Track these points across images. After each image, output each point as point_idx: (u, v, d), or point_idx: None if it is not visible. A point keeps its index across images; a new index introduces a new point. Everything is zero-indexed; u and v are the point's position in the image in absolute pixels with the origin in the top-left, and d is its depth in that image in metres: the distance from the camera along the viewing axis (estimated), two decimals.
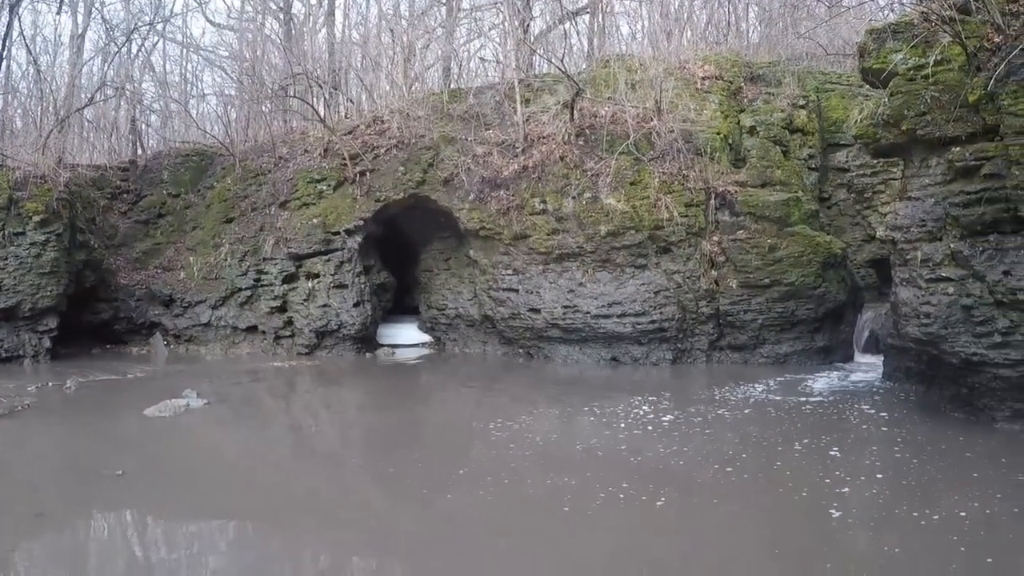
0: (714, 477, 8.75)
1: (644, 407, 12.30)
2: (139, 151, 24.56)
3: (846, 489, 8.08)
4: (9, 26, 20.32)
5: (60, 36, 31.89)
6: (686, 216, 16.19)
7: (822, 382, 13.96)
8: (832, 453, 9.43)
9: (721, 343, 16.35)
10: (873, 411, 11.58)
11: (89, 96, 24.41)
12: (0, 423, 12.43)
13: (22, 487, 9.55)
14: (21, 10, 22.45)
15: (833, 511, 7.46)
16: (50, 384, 15.65)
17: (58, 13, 28.79)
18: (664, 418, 11.59)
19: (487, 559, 7.03)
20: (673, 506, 8.03)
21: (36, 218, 18.10)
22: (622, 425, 11.30)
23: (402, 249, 20.63)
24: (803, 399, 12.55)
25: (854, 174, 19.36)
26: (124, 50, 27.60)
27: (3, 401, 13.48)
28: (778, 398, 12.64)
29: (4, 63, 22.62)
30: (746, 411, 11.84)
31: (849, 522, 7.30)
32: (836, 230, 18.42)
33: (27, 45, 26.73)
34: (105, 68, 27.32)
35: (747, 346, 16.13)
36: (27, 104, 27.82)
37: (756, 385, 13.72)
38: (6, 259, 18.06)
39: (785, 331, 15.92)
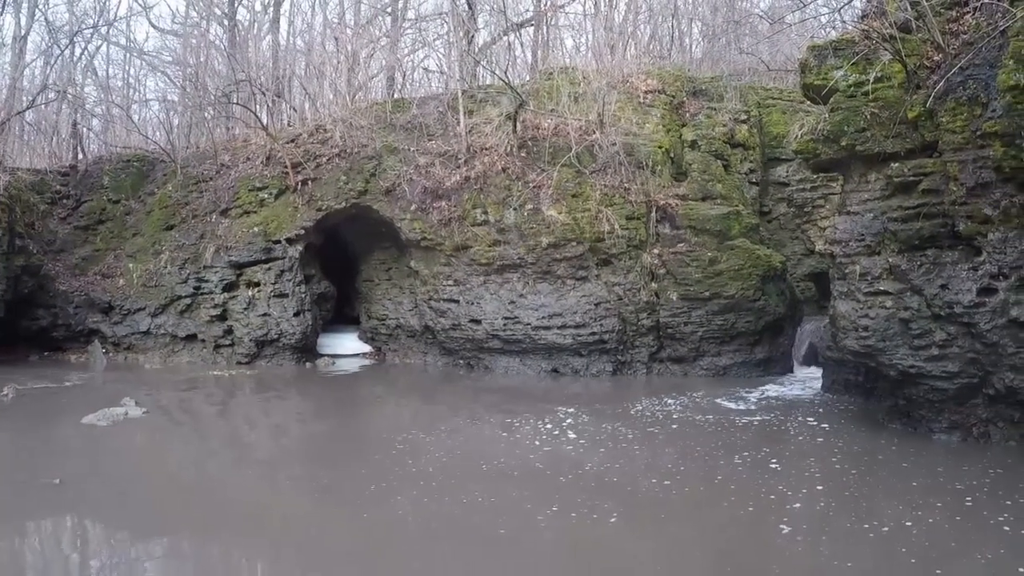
0: (657, 491, 8.80)
1: (584, 418, 12.39)
2: (80, 156, 24.08)
3: (796, 505, 8.12)
4: None
5: (3, 38, 31.18)
6: (627, 229, 16.32)
7: (761, 394, 14.11)
8: (772, 465, 9.50)
9: (661, 355, 16.49)
10: (813, 423, 11.73)
11: (31, 99, 24.02)
12: None
13: None
14: None
15: (783, 527, 7.49)
16: None
17: (0, 14, 28.19)
18: (604, 429, 11.66)
19: (425, 571, 7.03)
20: (618, 521, 7.99)
21: None
22: (563, 437, 11.34)
23: (343, 259, 20.54)
24: (742, 411, 12.68)
25: (794, 188, 19.71)
26: (67, 53, 27.24)
27: None
28: (718, 410, 12.73)
29: None
30: (686, 423, 11.94)
31: (798, 539, 7.31)
32: (776, 244, 18.71)
33: None
34: (47, 71, 26.98)
35: (687, 358, 16.29)
36: None
37: (696, 397, 13.84)
38: None
39: (725, 343, 16.11)
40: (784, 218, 19.90)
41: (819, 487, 8.65)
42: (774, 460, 9.71)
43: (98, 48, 30.11)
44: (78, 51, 28.00)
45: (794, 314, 16.84)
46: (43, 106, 25.66)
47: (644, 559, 7.16)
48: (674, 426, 11.79)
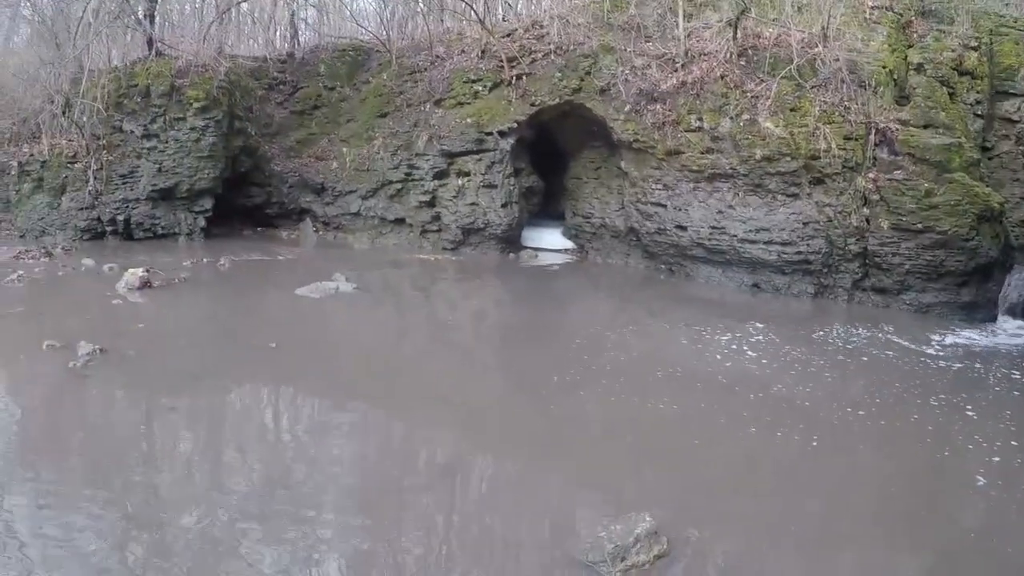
0: (850, 420, 8.71)
1: (778, 338, 12.29)
2: (297, 44, 25.28)
3: (994, 458, 7.84)
4: None
5: None
6: (844, 149, 15.76)
7: (962, 338, 13.50)
8: (969, 413, 9.24)
9: (864, 284, 16.00)
10: (1013, 376, 11.16)
11: None
12: (158, 294, 13.44)
13: (180, 351, 10.42)
14: None
15: (979, 478, 7.32)
16: (204, 260, 16.71)
17: None
18: (797, 351, 11.55)
19: (603, 466, 7.23)
20: (805, 443, 7.97)
21: (196, 104, 19.11)
22: (755, 353, 11.33)
23: (552, 155, 20.81)
24: (941, 352, 12.20)
25: (1023, 126, 18.46)
26: None
27: (161, 274, 14.51)
28: (915, 348, 12.32)
29: None
30: (881, 356, 11.64)
31: (992, 493, 7.09)
32: (996, 183, 17.61)
33: None
34: None
35: (890, 290, 15.75)
36: None
37: (894, 331, 13.40)
38: (166, 142, 19.22)
39: (931, 280, 15.41)
40: (1007, 157, 18.63)
41: (1014, 442, 8.34)
42: (970, 408, 9.40)
43: None
44: None
45: (1006, 260, 15.85)
46: None
47: (834, 484, 7.14)
48: (870, 358, 11.54)
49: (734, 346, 11.69)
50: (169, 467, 6.98)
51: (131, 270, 13.91)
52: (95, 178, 18.92)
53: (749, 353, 11.33)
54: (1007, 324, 15.29)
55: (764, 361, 10.98)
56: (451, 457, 7.55)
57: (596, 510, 6.31)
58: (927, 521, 6.47)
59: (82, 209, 19.01)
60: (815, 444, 7.94)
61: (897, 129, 15.80)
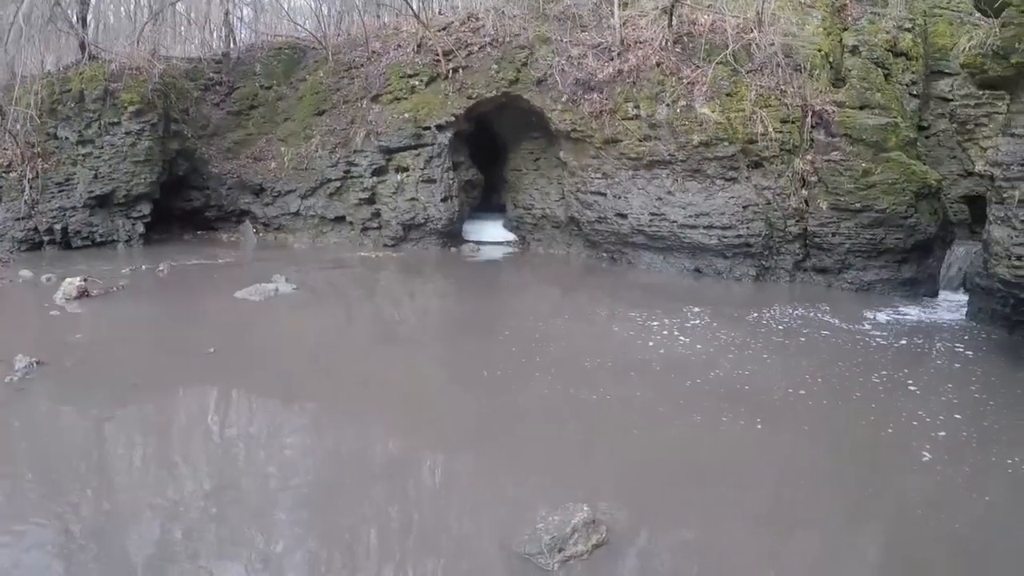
0: (792, 400, 8.65)
1: (721, 321, 12.25)
2: (232, 44, 24.85)
3: (940, 433, 7.75)
4: None
5: None
6: (781, 132, 15.82)
7: (903, 315, 13.50)
8: (911, 388, 9.14)
9: (806, 264, 16.08)
10: (955, 349, 11.11)
11: None
12: (96, 303, 13.10)
13: (119, 360, 10.13)
14: None
15: (925, 453, 7.23)
16: (143, 267, 16.33)
17: None
18: (739, 334, 11.50)
19: (543, 457, 7.15)
20: (748, 426, 7.89)
21: (131, 108, 18.70)
22: (698, 337, 11.28)
23: (491, 148, 20.73)
24: (883, 330, 12.16)
25: (957, 104, 18.67)
26: None
27: (99, 282, 14.12)
28: (857, 326, 12.30)
29: None
30: (824, 336, 11.62)
31: (938, 468, 6.98)
32: (933, 161, 17.86)
33: None
34: None
35: (831, 270, 15.82)
36: None
37: (836, 310, 13.41)
38: (102, 148, 18.79)
39: (872, 258, 15.53)
40: (944, 135, 18.91)
41: (957, 415, 8.28)
42: (912, 383, 9.34)
43: None
44: None
45: (945, 235, 16.03)
46: None
47: (780, 464, 7.09)
48: (811, 337, 11.50)
49: (674, 332, 11.61)
50: (114, 478, 6.69)
51: (68, 280, 13.55)
52: (30, 187, 18.41)
53: (682, 339, 11.26)
54: (948, 298, 15.42)
55: (700, 346, 10.90)
56: (394, 453, 7.39)
57: (535, 501, 6.17)
58: (874, 500, 6.34)
59: (18, 219, 18.48)
60: (759, 427, 7.84)
61: (833, 111, 15.89)
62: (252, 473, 6.82)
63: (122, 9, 27.54)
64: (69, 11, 20.58)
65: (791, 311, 13.22)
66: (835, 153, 15.60)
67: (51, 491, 6.31)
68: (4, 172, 18.54)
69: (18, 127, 18.47)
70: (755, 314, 12.87)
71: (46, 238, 18.73)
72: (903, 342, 11.29)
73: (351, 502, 6.26)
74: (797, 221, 15.80)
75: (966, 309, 13.65)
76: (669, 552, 5.62)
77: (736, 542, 5.66)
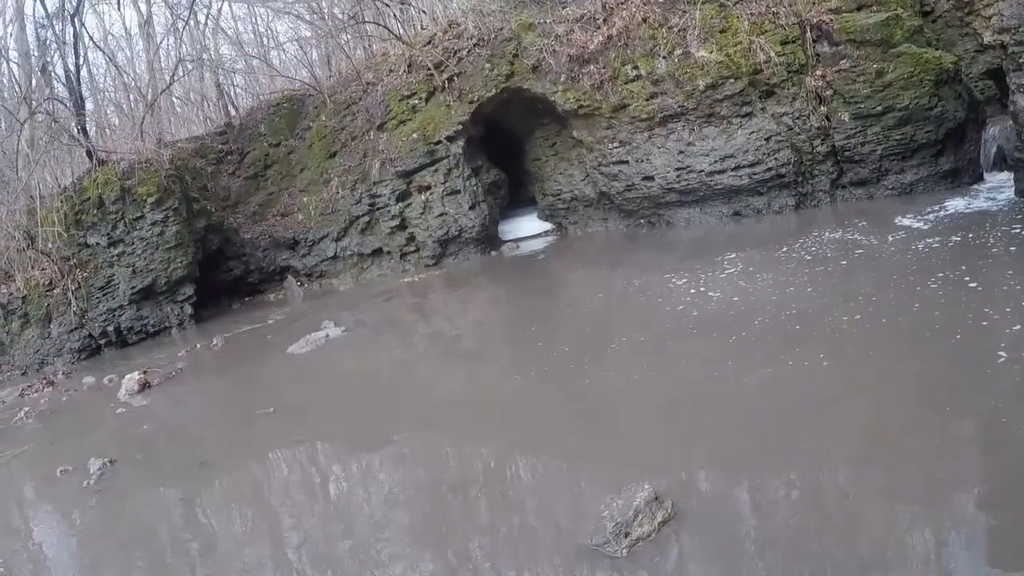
0: (850, 328, 8.32)
1: (774, 259, 12.04)
2: (232, 112, 25.26)
3: (1014, 327, 7.22)
4: (76, 35, 21.03)
5: (129, 29, 32.79)
6: (784, 55, 15.54)
7: (951, 208, 13.09)
8: (971, 285, 8.66)
9: (843, 181, 15.77)
10: (1010, 232, 10.59)
11: (170, 75, 25.06)
12: (158, 391, 13.48)
13: (184, 441, 10.49)
14: (83, 16, 23.06)
15: (1000, 353, 6.80)
16: (198, 345, 16.66)
17: (118, 8, 29.74)
18: (796, 267, 11.28)
19: (654, 441, 6.98)
20: (828, 363, 7.61)
21: (150, 199, 19.05)
22: (753, 280, 11.12)
23: (507, 144, 20.74)
24: (932, 228, 11.75)
25: None
26: (192, 23, 28.25)
27: (158, 371, 14.57)
28: (907, 231, 11.91)
29: (82, 70, 23.29)
30: (875, 249, 11.27)
31: (1016, 367, 6.53)
32: (945, 44, 17.32)
33: (98, 46, 27.56)
34: (178, 45, 28.15)
35: (870, 180, 15.47)
36: (116, 99, 28.97)
37: (883, 219, 13.06)
38: (132, 244, 19.17)
39: (907, 159, 15.13)
40: (950, 15, 18.39)
41: None
42: (971, 279, 8.85)
43: (219, 9, 31.12)
44: (202, 18, 29.05)
45: (976, 117, 15.52)
46: (185, 78, 26.90)
47: (863, 400, 6.73)
48: (860, 256, 11.11)
49: (733, 278, 11.49)
50: (204, 554, 6.92)
51: (128, 376, 13.97)
52: (76, 298, 18.89)
53: (750, 280, 11.10)
54: (993, 180, 14.93)
55: (770, 284, 10.72)
56: (508, 464, 7.43)
57: (600, 488, 6.14)
58: (957, 419, 5.98)
59: (72, 331, 18.96)
60: (825, 364, 7.58)
61: (831, 19, 15.61)
62: (339, 518, 6.96)
63: (123, 106, 28.11)
64: (69, 125, 21.10)
65: (832, 234, 12.96)
66: (843, 61, 15.32)
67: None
68: (48, 291, 19.05)
69: (50, 246, 18.97)
70: (798, 244, 12.67)
71: (102, 341, 19.18)
72: (955, 238, 10.85)
73: (439, 518, 6.40)
74: (823, 139, 15.54)
75: (1013, 187, 13.17)
76: (742, 518, 5.44)
77: (824, 485, 5.53)
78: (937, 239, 11.03)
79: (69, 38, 21.02)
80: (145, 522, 7.90)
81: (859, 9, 15.79)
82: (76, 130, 20.91)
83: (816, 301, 9.60)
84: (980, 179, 15.22)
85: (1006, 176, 14.47)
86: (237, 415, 11.04)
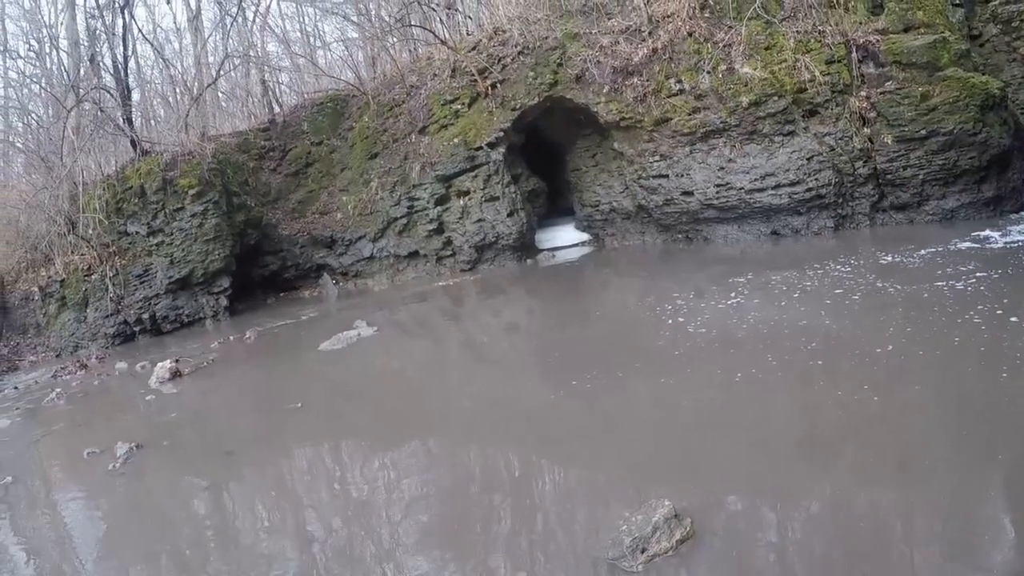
0: (888, 358, 8.10)
1: (810, 281, 11.89)
2: (276, 109, 25.59)
3: None
4: (125, 27, 21.49)
5: (178, 23, 33.34)
6: (828, 74, 15.47)
7: (991, 237, 12.79)
8: (1013, 320, 8.36)
9: (883, 204, 15.61)
10: None
11: (216, 70, 25.52)
12: (189, 380, 13.69)
13: (211, 431, 10.64)
14: (133, 9, 23.56)
15: None
16: (231, 338, 16.85)
17: (168, 2, 30.20)
18: (832, 290, 11.10)
19: (678, 458, 6.92)
20: (862, 390, 7.41)
21: (191, 192, 19.42)
22: (789, 302, 10.96)
23: (547, 153, 20.85)
24: (972, 256, 11.47)
25: (998, 3, 17.98)
26: (240, 20, 28.68)
27: (190, 360, 14.80)
28: (946, 258, 11.64)
29: (130, 61, 23.73)
30: (914, 275, 11.00)
31: None
32: (992, 69, 17.16)
33: (146, 39, 28.20)
34: (226, 40, 28.59)
35: (911, 204, 15.31)
36: (162, 91, 29.48)
37: (922, 246, 12.76)
38: (172, 234, 19.53)
39: (949, 184, 14.91)
40: (998, 39, 18.21)
41: None
42: (1015, 315, 8.48)
43: (268, 7, 31.43)
44: (250, 15, 29.50)
45: (1021, 145, 15.38)
46: (231, 73, 27.28)
47: (896, 430, 6.55)
48: (897, 283, 10.79)
49: (769, 298, 11.36)
50: (225, 543, 7.03)
51: (160, 364, 14.21)
52: (113, 284, 19.28)
53: (786, 302, 10.99)
54: None
55: (806, 306, 10.58)
56: (532, 473, 7.46)
57: (620, 502, 6.14)
58: (995, 457, 5.85)
59: (108, 316, 19.35)
60: (865, 389, 7.39)
61: (878, 40, 15.51)
62: (343, 508, 7.14)
63: (170, 98, 28.58)
64: (115, 114, 21.52)
65: (879, 257, 12.74)
66: (889, 83, 15.20)
67: (187, 562, 6.69)
68: (86, 276, 19.48)
69: (90, 232, 19.39)
70: (843, 267, 12.47)
71: (136, 328, 19.55)
72: (997, 269, 10.56)
73: (459, 520, 6.48)
74: (865, 161, 15.41)
75: None
76: (764, 541, 5.38)
77: (852, 514, 5.43)
78: (979, 269, 10.78)
79: (119, 29, 21.48)
80: (169, 508, 8.02)
81: (906, 31, 15.67)
82: (121, 119, 21.32)
83: (851, 327, 9.45)
84: (1023, 208, 15.00)
85: None
86: (265, 408, 11.17)
